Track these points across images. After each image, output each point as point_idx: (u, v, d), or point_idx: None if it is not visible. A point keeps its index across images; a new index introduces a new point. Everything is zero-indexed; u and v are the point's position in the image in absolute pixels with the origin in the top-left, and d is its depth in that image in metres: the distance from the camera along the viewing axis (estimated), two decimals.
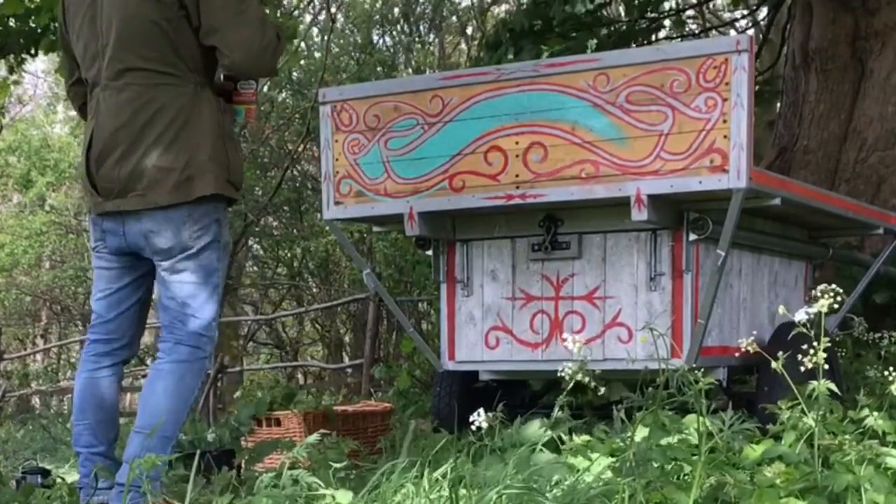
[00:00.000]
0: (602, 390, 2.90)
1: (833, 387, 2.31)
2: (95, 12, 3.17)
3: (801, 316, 2.23)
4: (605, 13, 8.48)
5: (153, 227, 3.11)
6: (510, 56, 7.51)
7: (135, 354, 3.53)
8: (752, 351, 2.35)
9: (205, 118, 3.13)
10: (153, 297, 3.37)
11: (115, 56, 3.12)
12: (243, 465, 3.88)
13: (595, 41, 7.87)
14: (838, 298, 2.24)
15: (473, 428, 2.95)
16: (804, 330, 2.26)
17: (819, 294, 2.24)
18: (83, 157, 3.20)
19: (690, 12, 10.62)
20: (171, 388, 3.11)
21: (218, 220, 3.19)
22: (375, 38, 17.34)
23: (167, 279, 3.17)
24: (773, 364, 2.30)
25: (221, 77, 3.30)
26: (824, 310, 2.21)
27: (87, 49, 3.20)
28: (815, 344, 2.27)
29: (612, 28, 8.37)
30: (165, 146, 3.07)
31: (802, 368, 2.27)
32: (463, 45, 17.76)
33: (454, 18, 17.69)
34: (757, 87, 7.97)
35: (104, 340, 3.31)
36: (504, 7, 15.95)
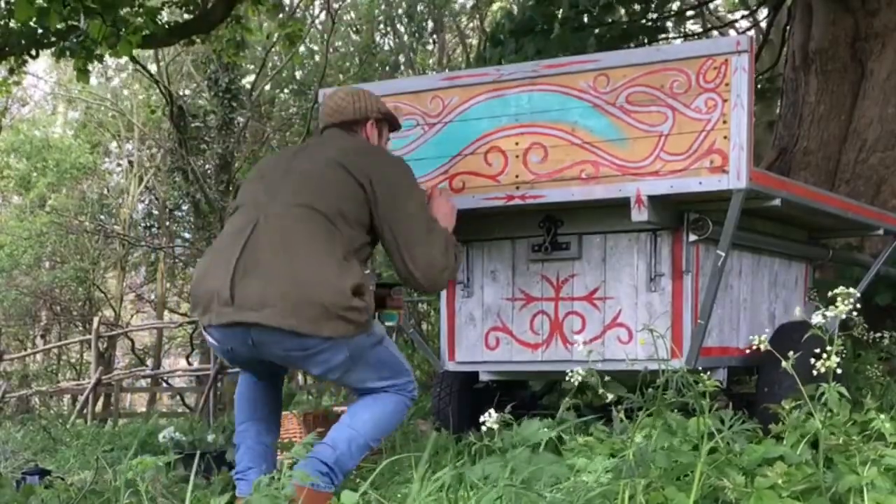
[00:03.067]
0: (608, 395, 2.89)
1: (843, 390, 2.30)
2: (279, 164, 3.34)
3: (817, 319, 2.22)
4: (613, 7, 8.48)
5: (299, 362, 3.15)
6: (512, 57, 7.52)
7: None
8: (762, 348, 2.34)
9: (354, 271, 3.14)
10: None
11: (294, 192, 3.17)
12: None
13: (596, 32, 7.88)
14: (852, 301, 2.23)
15: (483, 429, 2.95)
16: (805, 331, 2.26)
17: (835, 297, 2.23)
18: (221, 264, 3.11)
19: (690, 13, 10.62)
20: (377, 407, 3.20)
21: (358, 334, 3.15)
22: (378, 38, 17.35)
23: (343, 383, 3.35)
24: (784, 364, 2.29)
25: (374, 285, 3.35)
26: (842, 315, 2.21)
27: (269, 186, 3.25)
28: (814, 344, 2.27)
29: (612, 22, 8.37)
30: (315, 281, 3.03)
31: (815, 372, 2.27)
32: (460, 48, 17.77)
33: (450, 18, 17.70)
34: (757, 87, 7.97)
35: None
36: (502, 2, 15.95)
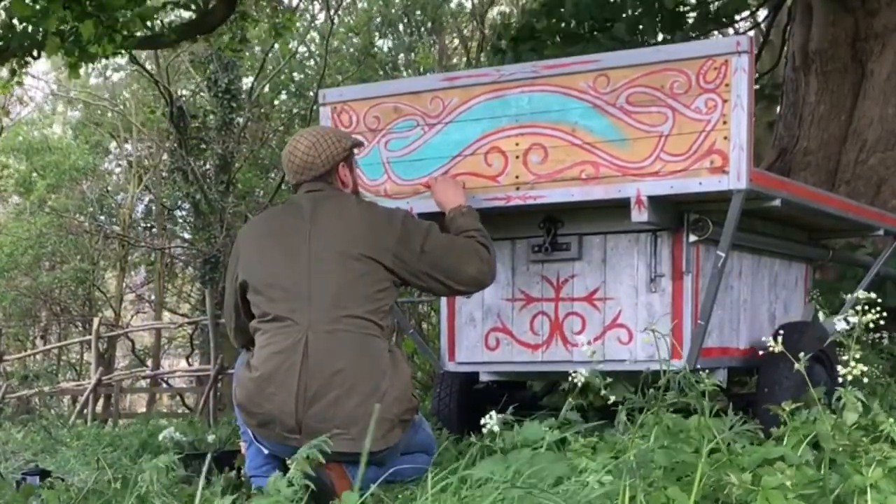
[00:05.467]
0: (607, 393, 2.90)
1: (860, 394, 2.30)
2: (297, 250, 3.24)
3: (839, 325, 2.23)
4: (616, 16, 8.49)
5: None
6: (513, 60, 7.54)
7: None
8: (777, 350, 2.34)
9: (403, 368, 3.21)
10: None
11: (332, 305, 3.16)
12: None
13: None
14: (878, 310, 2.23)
15: (485, 431, 2.95)
16: (805, 331, 2.26)
17: (857, 301, 2.24)
18: (278, 387, 3.12)
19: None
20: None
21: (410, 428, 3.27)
22: (377, 39, 17.35)
23: None
24: (787, 365, 2.30)
25: None
26: (866, 320, 2.21)
27: (288, 289, 3.21)
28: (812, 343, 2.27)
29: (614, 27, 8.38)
30: (381, 395, 3.09)
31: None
32: (461, 48, 17.77)
33: (450, 18, 17.70)
34: (757, 88, 7.98)
35: None
36: (501, 8, 15.94)
